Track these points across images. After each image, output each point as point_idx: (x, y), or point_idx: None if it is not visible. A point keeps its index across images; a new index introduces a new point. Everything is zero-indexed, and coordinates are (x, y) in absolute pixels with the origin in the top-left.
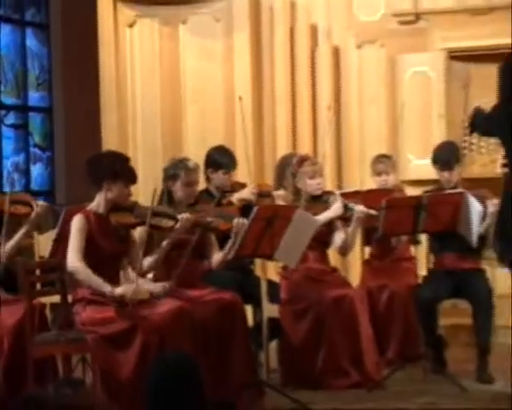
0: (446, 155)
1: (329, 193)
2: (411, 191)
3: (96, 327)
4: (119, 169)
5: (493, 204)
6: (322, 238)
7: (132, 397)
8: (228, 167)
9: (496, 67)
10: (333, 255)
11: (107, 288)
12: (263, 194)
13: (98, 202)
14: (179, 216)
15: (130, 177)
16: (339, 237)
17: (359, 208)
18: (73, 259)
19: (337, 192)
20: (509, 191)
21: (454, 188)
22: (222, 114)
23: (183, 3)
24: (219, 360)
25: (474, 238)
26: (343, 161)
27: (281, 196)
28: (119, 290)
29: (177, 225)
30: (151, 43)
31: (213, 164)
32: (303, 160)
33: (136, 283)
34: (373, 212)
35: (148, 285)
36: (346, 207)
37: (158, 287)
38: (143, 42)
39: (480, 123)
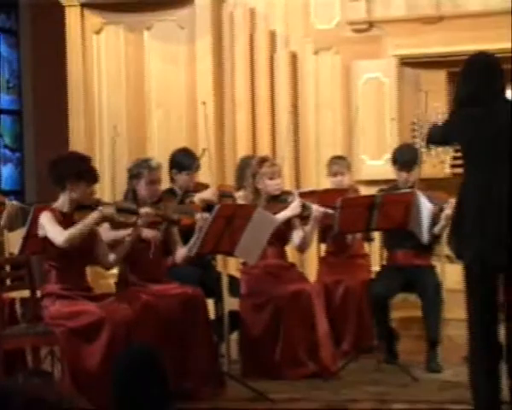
0: (406, 157)
1: (288, 193)
2: (365, 191)
3: (64, 321)
4: (81, 170)
5: (451, 207)
6: (280, 236)
7: (99, 388)
8: (191, 169)
9: (445, 73)
10: (291, 252)
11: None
12: (224, 195)
13: (63, 202)
14: (140, 210)
15: (92, 177)
16: (297, 235)
17: (316, 208)
18: (59, 234)
19: (295, 192)
20: (463, 190)
21: (411, 188)
22: (185, 117)
23: (147, 11)
24: (182, 351)
25: (425, 236)
26: (300, 162)
27: (241, 197)
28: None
29: (139, 220)
30: (117, 49)
31: (177, 165)
32: (263, 161)
33: None
34: (329, 211)
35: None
36: (303, 207)
37: (151, 232)
38: (110, 48)
39: (436, 133)
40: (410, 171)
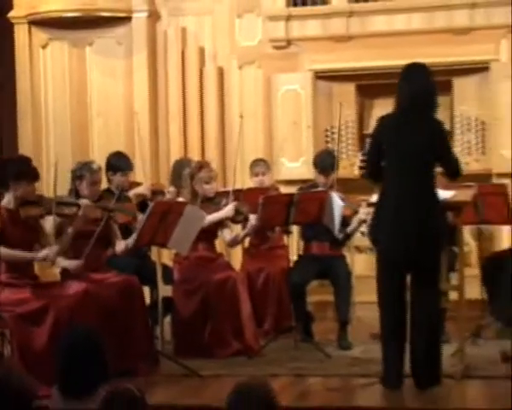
0: (325, 162)
1: (222, 194)
2: (284, 189)
3: (13, 307)
4: (21, 170)
5: (365, 212)
6: (210, 231)
7: (45, 366)
8: (125, 170)
9: (354, 86)
10: (219, 243)
11: (29, 254)
12: (157, 191)
13: (8, 200)
14: (80, 202)
15: (32, 176)
16: (227, 233)
17: (253, 217)
18: None
19: (231, 196)
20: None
21: (330, 189)
22: (123, 124)
23: (89, 28)
24: (121, 333)
25: (337, 229)
26: (227, 164)
27: (171, 193)
28: (41, 253)
29: (80, 212)
30: (62, 62)
31: (112, 167)
32: (201, 166)
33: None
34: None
35: (64, 262)
36: (237, 212)
37: (72, 264)
38: (55, 61)
39: (367, 172)
40: (328, 175)
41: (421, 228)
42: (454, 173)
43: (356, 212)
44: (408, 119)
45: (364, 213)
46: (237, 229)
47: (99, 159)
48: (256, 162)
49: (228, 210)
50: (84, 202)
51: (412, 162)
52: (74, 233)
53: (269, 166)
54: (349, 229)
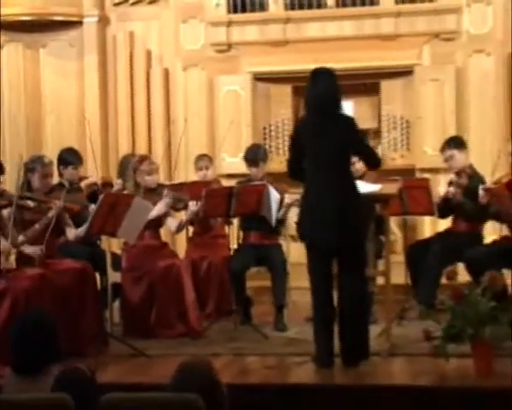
0: (254, 155)
1: (163, 186)
2: (226, 183)
3: None
4: None
5: (290, 197)
6: (155, 222)
7: (2, 347)
8: (75, 164)
9: (290, 87)
10: (164, 232)
11: None
12: (106, 184)
13: None
14: (53, 204)
15: None
16: (171, 222)
17: (192, 203)
18: None
19: (166, 190)
20: (307, 186)
21: (261, 180)
22: (75, 121)
23: (43, 31)
24: (74, 316)
25: (274, 220)
26: (173, 159)
27: (118, 184)
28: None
29: (53, 211)
30: (17, 63)
31: (64, 162)
32: (143, 159)
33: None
34: (199, 205)
35: (28, 249)
36: (178, 200)
37: (36, 250)
38: (10, 61)
39: (290, 168)
40: (257, 166)
41: (341, 218)
42: (374, 164)
43: (282, 198)
44: (318, 120)
45: (289, 197)
46: (181, 215)
47: (51, 154)
48: (200, 157)
49: (166, 204)
50: (57, 203)
51: (328, 159)
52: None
53: (212, 160)
54: (279, 214)
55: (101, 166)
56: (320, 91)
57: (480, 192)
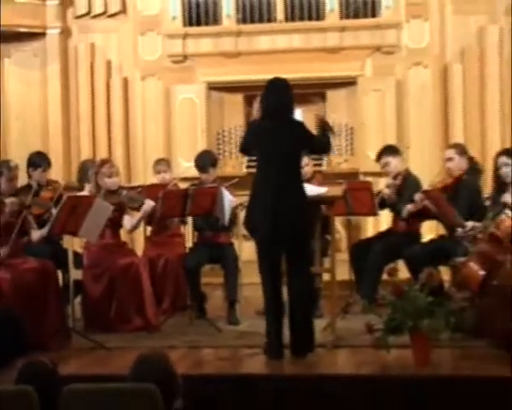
0: (202, 162)
1: (123, 188)
2: (182, 185)
3: None
4: None
5: (234, 200)
6: (115, 220)
7: None
8: (44, 166)
9: (242, 96)
10: (123, 232)
11: None
12: (69, 188)
13: None
14: (6, 200)
15: None
16: (127, 221)
17: (148, 202)
18: None
19: (125, 189)
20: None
21: (213, 183)
22: (39, 127)
23: (8, 42)
24: (37, 312)
25: (226, 220)
26: (131, 163)
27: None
28: None
29: (6, 209)
30: None
31: (33, 164)
32: (104, 163)
33: None
34: (158, 210)
35: None
36: (133, 200)
37: (5, 250)
38: None
39: (241, 144)
40: (206, 172)
41: (291, 218)
42: (324, 150)
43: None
44: (272, 125)
45: (234, 200)
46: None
47: (17, 158)
48: (158, 162)
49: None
50: (9, 200)
51: (280, 161)
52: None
53: (169, 164)
54: (231, 214)
55: (64, 170)
56: (275, 99)
57: (417, 197)
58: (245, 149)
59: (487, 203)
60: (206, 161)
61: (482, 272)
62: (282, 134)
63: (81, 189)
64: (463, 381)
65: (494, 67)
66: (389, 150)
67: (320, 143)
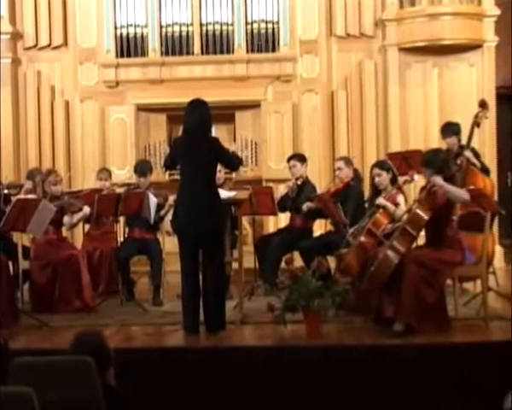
0: (142, 168)
1: (65, 194)
2: (119, 190)
3: None
4: None
5: (172, 199)
6: (57, 220)
7: None
8: None
9: (165, 116)
10: (64, 230)
11: None
12: (12, 185)
13: None
14: None
15: None
16: (67, 221)
17: (86, 209)
18: None
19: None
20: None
21: (147, 189)
22: None
23: None
24: None
25: (152, 219)
26: (73, 171)
27: (28, 184)
28: None
29: None
30: None
31: None
32: (50, 172)
33: None
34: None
35: None
36: (72, 205)
37: None
38: None
39: (166, 161)
40: (145, 177)
41: (207, 217)
42: (235, 167)
43: (166, 199)
44: (192, 140)
45: (172, 199)
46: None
47: None
48: (101, 171)
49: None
50: None
51: (197, 170)
52: None
53: (110, 173)
54: (162, 212)
55: (14, 177)
56: (195, 118)
57: (306, 205)
58: (169, 165)
59: (366, 205)
60: (144, 168)
61: (360, 261)
62: (200, 148)
63: (21, 186)
64: (347, 349)
65: (371, 94)
66: (298, 157)
67: (232, 162)
